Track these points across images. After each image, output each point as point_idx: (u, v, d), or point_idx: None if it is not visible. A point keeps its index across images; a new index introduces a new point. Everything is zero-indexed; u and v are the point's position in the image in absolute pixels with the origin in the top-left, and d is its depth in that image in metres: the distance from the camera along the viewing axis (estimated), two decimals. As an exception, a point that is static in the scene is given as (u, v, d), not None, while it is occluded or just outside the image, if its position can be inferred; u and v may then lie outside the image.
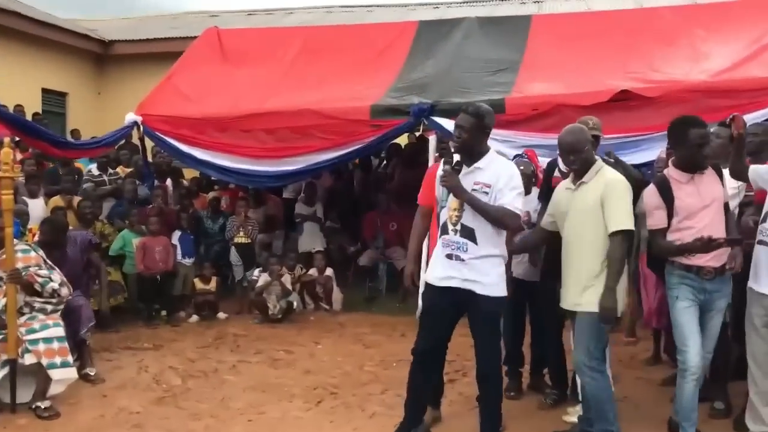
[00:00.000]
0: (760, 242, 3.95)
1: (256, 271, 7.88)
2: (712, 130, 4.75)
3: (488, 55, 7.78)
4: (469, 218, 3.83)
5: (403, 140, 9.82)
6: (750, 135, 4.48)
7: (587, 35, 7.77)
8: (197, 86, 8.23)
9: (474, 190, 3.82)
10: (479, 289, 3.83)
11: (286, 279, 7.70)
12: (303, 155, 7.34)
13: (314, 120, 7.23)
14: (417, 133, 9.45)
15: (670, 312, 3.98)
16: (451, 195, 3.88)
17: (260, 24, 13.28)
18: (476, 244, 3.82)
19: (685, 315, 3.88)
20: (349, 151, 7.27)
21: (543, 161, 5.31)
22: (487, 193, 3.81)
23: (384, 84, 7.55)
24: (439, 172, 3.95)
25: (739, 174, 4.09)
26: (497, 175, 3.82)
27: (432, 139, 6.94)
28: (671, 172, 3.97)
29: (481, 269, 3.83)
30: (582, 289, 3.86)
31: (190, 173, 9.83)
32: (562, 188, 4.06)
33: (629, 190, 3.87)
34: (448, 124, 6.19)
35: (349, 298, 8.22)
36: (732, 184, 4.26)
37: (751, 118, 5.76)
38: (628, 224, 3.79)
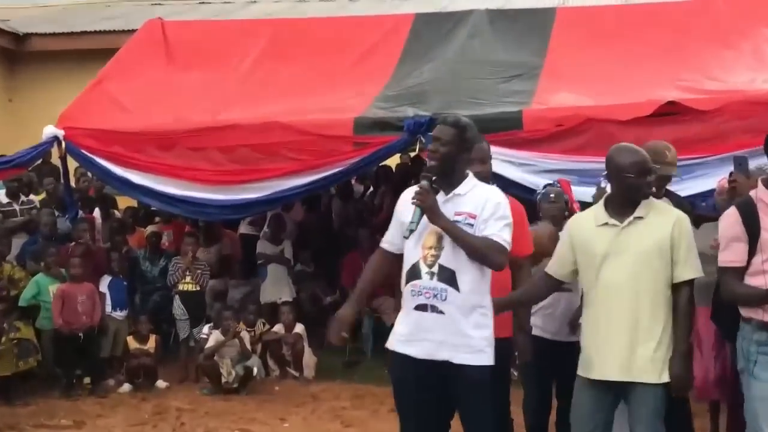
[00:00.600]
0: None
1: (206, 328, 7.85)
2: None
3: (501, 57, 7.89)
4: (450, 257, 3.80)
5: (394, 161, 9.86)
6: None
7: (625, 33, 7.92)
8: (135, 92, 8.27)
9: (456, 221, 3.82)
10: (458, 358, 3.77)
11: (245, 338, 7.66)
12: (268, 180, 7.36)
13: (283, 136, 7.27)
14: (412, 154, 9.50)
15: (744, 390, 3.88)
16: (426, 230, 3.85)
17: (215, 15, 13.39)
18: (458, 290, 3.78)
19: (764, 396, 3.74)
20: (326, 176, 7.29)
21: (579, 191, 5.35)
22: (471, 225, 3.81)
23: (371, 92, 7.63)
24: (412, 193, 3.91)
25: None
26: (482, 203, 3.83)
27: (431, 161, 6.96)
28: (762, 194, 3.82)
29: (462, 328, 3.78)
30: (637, 353, 3.84)
31: (124, 202, 9.81)
32: (592, 224, 4.00)
33: None
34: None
35: (324, 363, 8.18)
36: None
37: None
38: (701, 270, 3.88)
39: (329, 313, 8.79)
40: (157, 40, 9.04)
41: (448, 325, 3.78)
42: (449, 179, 3.90)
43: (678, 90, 6.79)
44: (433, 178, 3.88)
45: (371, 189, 10.61)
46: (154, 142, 7.61)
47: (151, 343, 7.82)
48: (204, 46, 8.91)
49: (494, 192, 3.95)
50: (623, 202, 3.92)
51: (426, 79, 7.73)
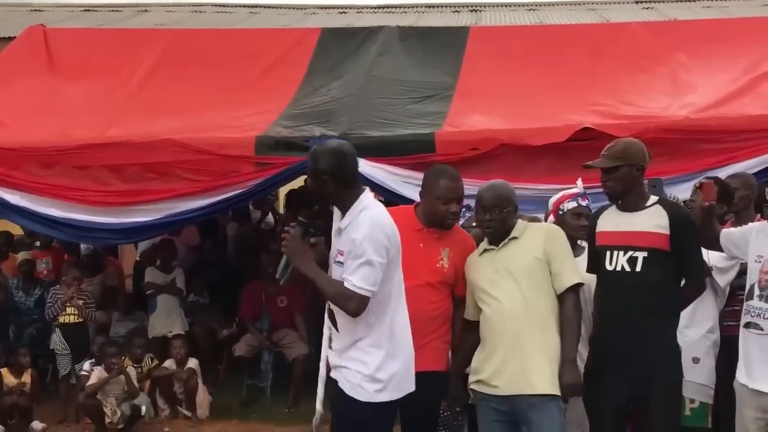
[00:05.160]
0: (749, 325, 4.30)
1: (87, 364, 7.76)
2: (691, 196, 5.26)
3: (412, 77, 8.07)
4: None
5: (298, 184, 9.93)
6: None
7: (539, 55, 8.19)
8: (13, 105, 8.11)
9: (336, 261, 3.93)
10: (340, 382, 3.97)
11: (131, 374, 7.61)
12: (161, 202, 7.28)
13: (177, 155, 7.22)
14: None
15: None
16: None
17: (102, 23, 13.31)
18: (338, 331, 3.99)
19: None
20: (225, 198, 7.25)
21: None
22: (342, 263, 3.86)
23: (274, 109, 7.68)
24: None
25: (712, 243, 4.54)
26: (352, 237, 3.79)
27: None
28: None
29: (340, 362, 3.99)
30: (532, 367, 4.20)
31: (-4, 225, 9.62)
32: (476, 256, 4.52)
33: None
34: (361, 165, 6.35)
35: (219, 401, 8.18)
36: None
37: (744, 166, 6.25)
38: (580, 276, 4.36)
39: (224, 347, 8.82)
40: (38, 49, 8.89)
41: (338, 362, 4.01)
42: (340, 212, 3.98)
43: (594, 115, 7.02)
44: (303, 220, 3.95)
45: (276, 214, 10.67)
46: (35, 159, 7.45)
47: (27, 379, 7.68)
48: (91, 56, 8.81)
49: (365, 220, 3.78)
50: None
51: (333, 96, 7.82)
